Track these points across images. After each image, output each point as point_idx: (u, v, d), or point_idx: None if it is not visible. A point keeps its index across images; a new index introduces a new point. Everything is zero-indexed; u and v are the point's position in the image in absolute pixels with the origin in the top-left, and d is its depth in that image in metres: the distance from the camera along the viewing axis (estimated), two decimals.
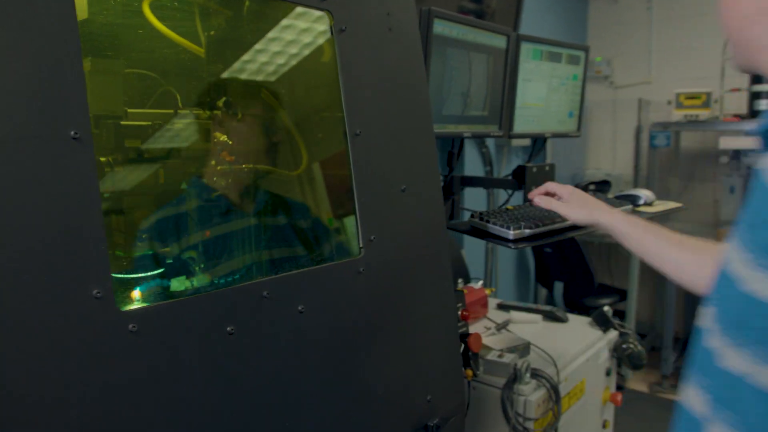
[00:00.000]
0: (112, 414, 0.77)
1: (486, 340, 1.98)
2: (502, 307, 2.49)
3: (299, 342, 1.00)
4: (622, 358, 2.24)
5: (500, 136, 1.84)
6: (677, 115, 4.11)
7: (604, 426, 2.27)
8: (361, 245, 1.14)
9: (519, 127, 1.92)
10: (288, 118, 1.60)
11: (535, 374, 1.80)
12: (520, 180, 1.86)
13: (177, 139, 1.37)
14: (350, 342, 1.10)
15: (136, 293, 1.19)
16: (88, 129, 0.77)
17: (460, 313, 1.54)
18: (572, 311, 4.49)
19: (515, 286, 4.58)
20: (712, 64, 4.15)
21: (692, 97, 4.08)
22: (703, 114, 4.06)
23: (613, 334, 2.25)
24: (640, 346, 2.26)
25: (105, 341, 0.76)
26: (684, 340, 4.49)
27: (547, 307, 2.38)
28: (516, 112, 1.90)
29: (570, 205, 1.31)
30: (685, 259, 1.06)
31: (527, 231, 1.48)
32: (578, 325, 2.31)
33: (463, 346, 1.45)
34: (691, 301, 4.62)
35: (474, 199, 3.74)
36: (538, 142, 2.12)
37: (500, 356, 1.83)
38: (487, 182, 2.01)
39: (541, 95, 2.00)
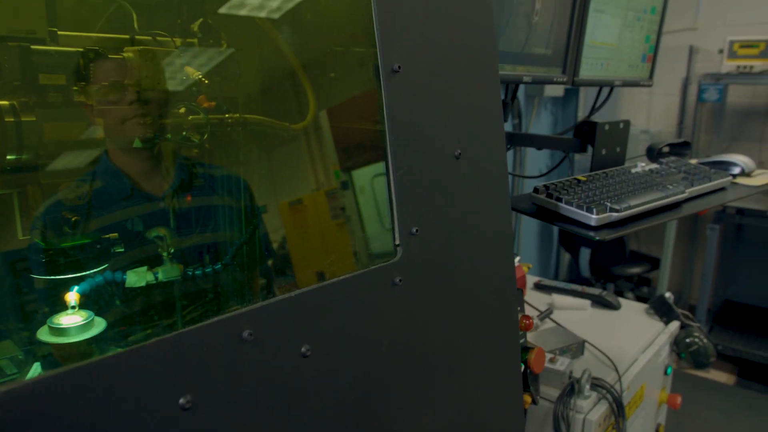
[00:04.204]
0: None
1: (530, 336, 1.63)
2: (540, 287, 2.12)
3: (303, 406, 0.62)
4: (684, 354, 1.89)
5: (564, 82, 1.42)
6: (729, 65, 3.66)
7: (657, 431, 1.94)
8: (397, 242, 0.75)
9: (585, 71, 1.50)
10: (289, 50, 1.19)
11: (596, 385, 1.44)
12: (586, 140, 1.45)
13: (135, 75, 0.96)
14: (378, 393, 0.72)
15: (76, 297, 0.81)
16: None
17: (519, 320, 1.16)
18: (599, 280, 4.18)
19: (537, 252, 4.21)
20: None
21: (748, 45, 3.61)
22: (759, 65, 3.62)
23: (674, 326, 1.89)
24: (706, 340, 1.91)
25: None
26: (714, 312, 4.16)
27: (596, 291, 2.01)
28: (583, 52, 1.47)
29: None
30: None
31: (614, 215, 1.09)
32: (633, 313, 1.96)
33: (522, 366, 1.08)
34: (725, 272, 4.27)
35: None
36: (602, 92, 1.70)
37: (552, 360, 1.47)
38: (541, 141, 1.59)
39: (614, 32, 1.56)
